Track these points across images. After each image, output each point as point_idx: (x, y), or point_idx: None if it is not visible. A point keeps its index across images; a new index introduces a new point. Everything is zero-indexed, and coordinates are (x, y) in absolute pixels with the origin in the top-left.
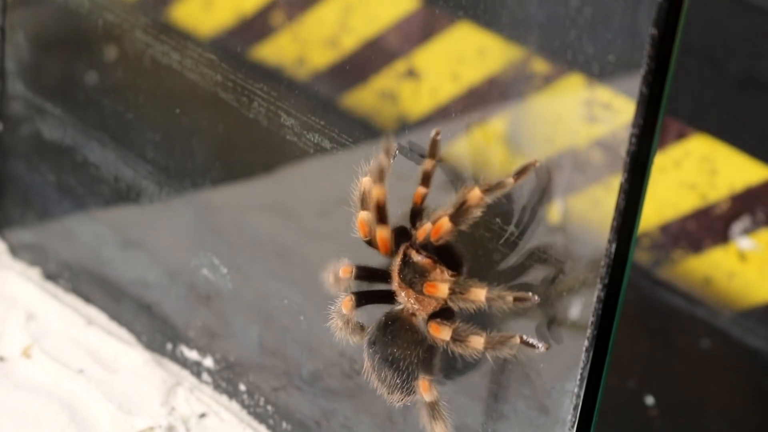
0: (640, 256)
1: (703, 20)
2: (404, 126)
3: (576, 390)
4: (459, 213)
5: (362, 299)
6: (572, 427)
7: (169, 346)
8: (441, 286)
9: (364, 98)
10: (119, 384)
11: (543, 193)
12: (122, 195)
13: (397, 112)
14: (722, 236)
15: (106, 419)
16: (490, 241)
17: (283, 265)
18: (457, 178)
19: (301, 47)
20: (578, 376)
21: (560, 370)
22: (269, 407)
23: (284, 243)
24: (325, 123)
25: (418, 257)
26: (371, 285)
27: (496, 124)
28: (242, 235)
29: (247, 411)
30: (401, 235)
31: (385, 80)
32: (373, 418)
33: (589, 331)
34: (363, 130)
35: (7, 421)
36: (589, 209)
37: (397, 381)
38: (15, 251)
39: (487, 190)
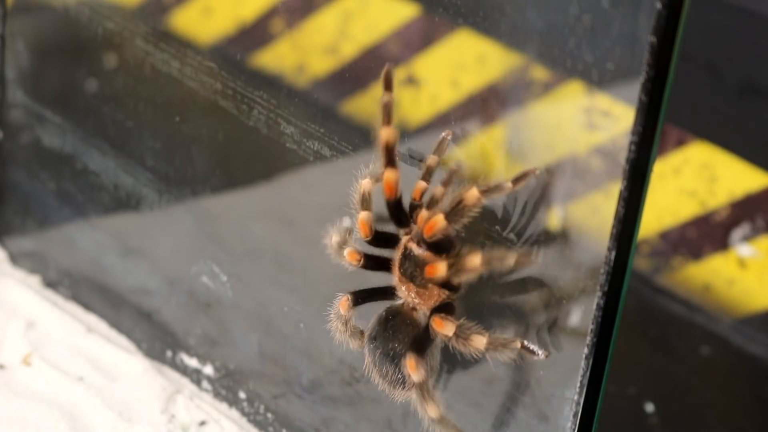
0: (639, 263)
1: (702, 28)
2: (404, 133)
3: (576, 397)
4: (455, 211)
5: (359, 298)
6: None
7: (169, 353)
8: (439, 265)
9: (363, 105)
10: (119, 392)
11: (543, 201)
12: (122, 203)
13: (396, 119)
14: (722, 243)
15: (106, 427)
16: (490, 249)
17: (282, 272)
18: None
19: (301, 55)
20: (578, 384)
21: (560, 378)
22: (269, 415)
23: (284, 250)
24: (324, 131)
25: (418, 250)
26: (376, 273)
27: (496, 131)
28: (242, 243)
29: (247, 419)
30: (401, 219)
31: None
32: (373, 425)
33: (588, 338)
34: (363, 137)
35: (8, 429)
36: (588, 216)
37: (399, 376)
38: (15, 259)
39: (485, 191)
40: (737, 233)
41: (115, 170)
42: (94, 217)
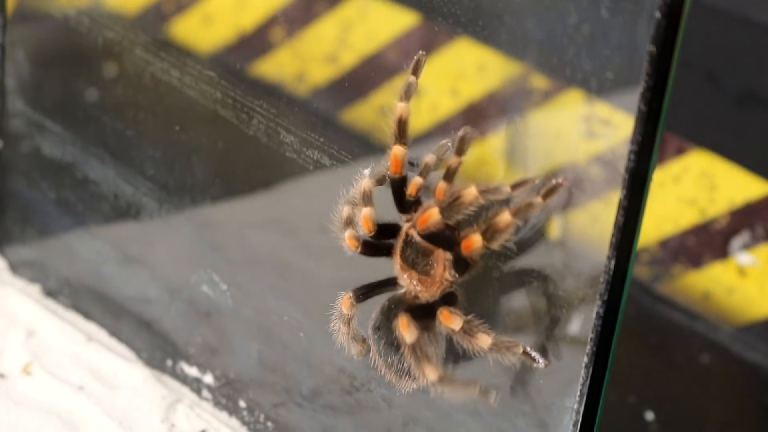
0: (639, 271)
1: (701, 36)
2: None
3: (576, 406)
4: (451, 206)
5: (361, 294)
6: None
7: (169, 362)
8: (473, 237)
9: (363, 114)
10: (119, 401)
11: (542, 210)
12: (122, 212)
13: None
14: (721, 251)
15: None
16: (489, 258)
17: (282, 281)
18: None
19: (301, 63)
20: (578, 393)
21: (560, 387)
22: (269, 424)
23: (284, 259)
24: (324, 140)
25: (419, 238)
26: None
27: (496, 139)
28: (242, 252)
29: (247, 427)
30: (403, 203)
31: (385, 96)
32: None
33: (588, 347)
34: (362, 146)
35: None
36: (588, 225)
37: (404, 365)
38: (15, 268)
39: (483, 191)
40: (737, 241)
41: (115, 179)
42: (94, 226)
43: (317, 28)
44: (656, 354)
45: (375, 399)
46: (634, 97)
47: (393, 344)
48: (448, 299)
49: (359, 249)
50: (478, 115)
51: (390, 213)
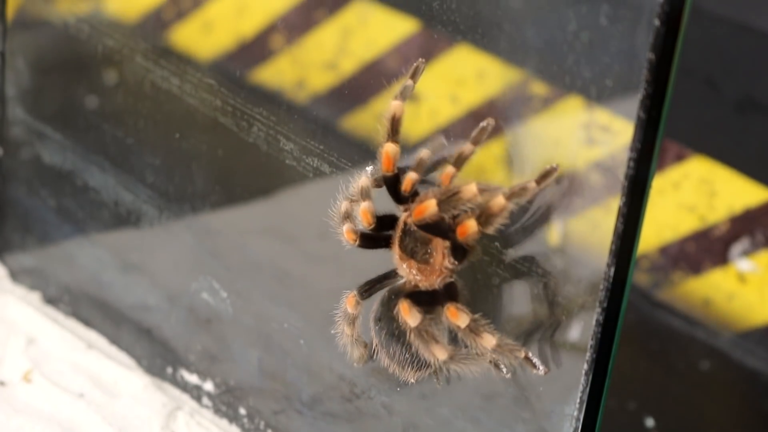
0: (639, 278)
1: (701, 43)
2: (403, 148)
3: (575, 413)
4: (449, 200)
5: (365, 291)
6: None
7: (170, 370)
8: (468, 222)
9: (363, 121)
10: (119, 408)
11: (542, 216)
12: (122, 219)
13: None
14: (721, 258)
15: None
16: (489, 265)
17: (282, 288)
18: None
19: (301, 70)
20: (578, 400)
21: (560, 394)
22: (269, 431)
23: (284, 267)
24: (324, 147)
25: (417, 226)
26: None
27: (495, 146)
28: (242, 259)
29: None
30: (399, 196)
31: (385, 103)
32: None
33: (588, 354)
34: (362, 153)
35: None
36: (588, 231)
37: (407, 355)
38: (15, 276)
39: (483, 190)
40: (737, 248)
41: (115, 187)
42: (94, 234)
43: (317, 35)
44: (656, 360)
45: (375, 406)
46: (633, 103)
47: (394, 334)
48: (448, 289)
49: (357, 242)
50: (477, 122)
51: (388, 207)
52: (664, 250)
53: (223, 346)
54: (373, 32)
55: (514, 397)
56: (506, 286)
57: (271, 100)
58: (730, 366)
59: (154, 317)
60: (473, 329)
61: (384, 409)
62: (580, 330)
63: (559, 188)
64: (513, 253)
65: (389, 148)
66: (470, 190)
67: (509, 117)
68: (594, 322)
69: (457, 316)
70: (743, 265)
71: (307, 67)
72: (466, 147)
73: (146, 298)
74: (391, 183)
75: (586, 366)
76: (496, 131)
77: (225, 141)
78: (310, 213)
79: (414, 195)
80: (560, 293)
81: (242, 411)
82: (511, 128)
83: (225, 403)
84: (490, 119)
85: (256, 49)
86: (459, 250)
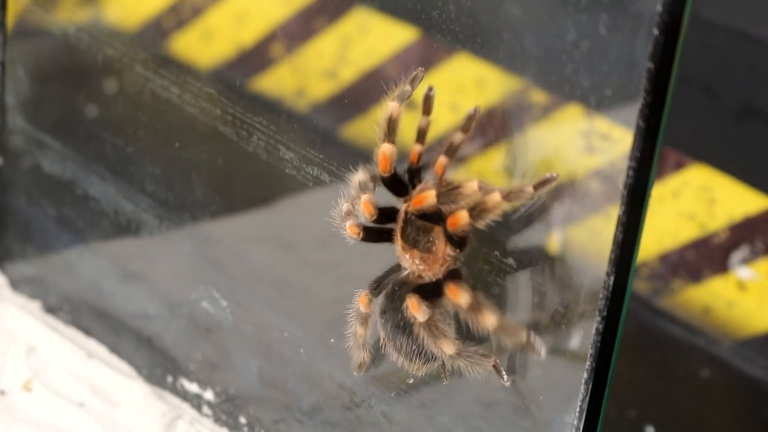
0: (639, 285)
1: (700, 51)
2: (403, 156)
3: (575, 422)
4: (448, 193)
5: (375, 288)
6: None
7: (170, 379)
8: (460, 213)
9: (363, 129)
10: (119, 417)
11: (542, 225)
12: (122, 228)
13: (396, 142)
14: (721, 266)
15: None
16: (488, 274)
17: (282, 297)
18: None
19: (301, 79)
20: (577, 408)
21: (560, 402)
22: None
23: (284, 275)
24: (324, 156)
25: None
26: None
27: (495, 154)
28: (242, 268)
29: None
30: (399, 189)
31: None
32: None
33: (588, 363)
34: (362, 162)
35: None
36: (588, 240)
37: (413, 347)
38: (15, 285)
39: (483, 189)
40: (737, 256)
41: (115, 196)
42: (94, 243)
43: (317, 44)
44: (656, 369)
45: (375, 415)
46: (633, 112)
47: (400, 326)
48: (452, 277)
49: (361, 235)
50: (477, 130)
51: (388, 200)
52: (664, 258)
53: (224, 355)
54: (372, 41)
55: (514, 405)
56: (506, 295)
57: (270, 108)
58: (730, 374)
59: (154, 326)
60: (474, 307)
61: (384, 417)
62: (580, 338)
63: (558, 196)
64: (513, 262)
65: (386, 149)
66: (471, 187)
67: (509, 125)
68: (594, 331)
69: (458, 294)
70: (743, 272)
71: (306, 76)
72: (456, 135)
73: (146, 307)
74: (389, 183)
75: (585, 375)
76: (495, 139)
77: (225, 150)
78: (310, 222)
79: (414, 173)
80: (560, 302)
81: (242, 420)
82: (511, 136)
83: (225, 412)
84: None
85: (255, 57)
86: (455, 239)
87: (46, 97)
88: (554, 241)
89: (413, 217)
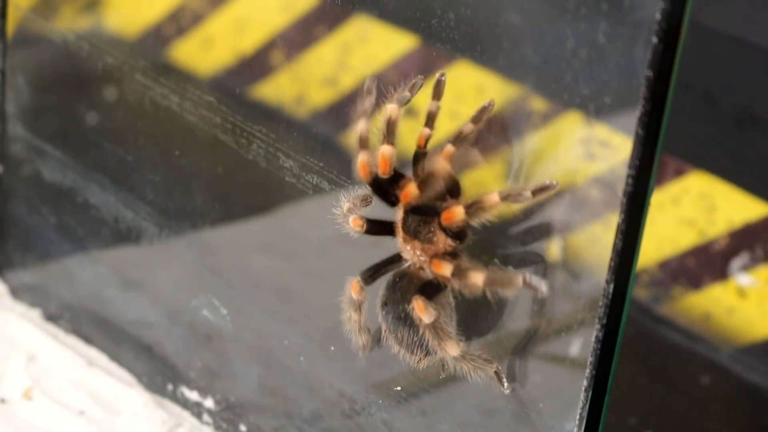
0: (639, 292)
1: (699, 57)
2: (403, 164)
3: (576, 430)
4: (451, 185)
5: (368, 276)
6: None
7: (170, 386)
8: (455, 209)
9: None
10: (120, 425)
11: (542, 232)
12: (122, 236)
13: (396, 148)
14: (721, 273)
15: None
16: None
17: (282, 305)
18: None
19: (301, 86)
20: (577, 416)
21: (559, 410)
22: None
23: (284, 283)
24: (323, 164)
25: (420, 203)
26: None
27: (495, 161)
28: (242, 276)
29: None
30: (398, 181)
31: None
32: None
33: (587, 370)
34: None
35: None
36: (588, 247)
37: (415, 338)
38: (16, 293)
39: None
40: (736, 262)
41: (116, 204)
42: (94, 251)
43: (317, 51)
44: (656, 375)
45: (375, 423)
46: (632, 119)
47: (401, 318)
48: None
49: (364, 227)
50: (478, 138)
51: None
52: (664, 265)
53: (224, 362)
54: (372, 48)
55: (514, 413)
56: (505, 303)
57: (270, 116)
58: (730, 381)
59: (154, 334)
60: (457, 273)
61: (384, 425)
62: (580, 346)
63: (558, 204)
64: (512, 270)
65: (385, 150)
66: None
67: (509, 132)
68: (593, 339)
69: (441, 266)
70: (743, 279)
71: (306, 83)
72: (467, 126)
73: (146, 315)
74: (389, 182)
75: (585, 382)
76: (496, 146)
77: (225, 158)
78: (309, 230)
79: (419, 158)
80: (559, 309)
81: (243, 428)
82: (511, 143)
83: (225, 420)
84: (491, 100)
85: (255, 65)
86: (452, 232)
87: (46, 105)
88: (554, 249)
89: (414, 208)
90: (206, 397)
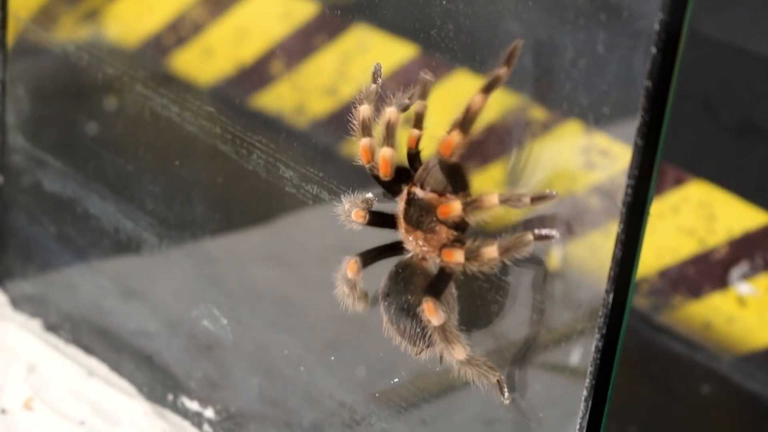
0: (639, 301)
1: (699, 67)
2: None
3: None
4: (466, 120)
5: (367, 259)
6: None
7: (170, 397)
8: (453, 203)
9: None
10: None
11: (541, 242)
12: (122, 247)
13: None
14: (721, 281)
15: None
16: (488, 292)
17: (282, 315)
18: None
19: (300, 96)
20: (577, 426)
21: (559, 420)
22: None
23: (284, 293)
24: (323, 174)
25: (422, 193)
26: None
27: (495, 170)
28: (242, 286)
29: None
30: (402, 175)
31: None
32: None
33: (587, 380)
34: (361, 180)
35: None
36: (588, 256)
37: (417, 330)
38: (16, 303)
39: (486, 89)
40: (736, 271)
41: (116, 214)
42: (94, 261)
43: (316, 61)
44: (656, 384)
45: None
46: (631, 128)
47: (404, 309)
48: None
49: (366, 219)
50: (478, 147)
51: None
52: (664, 274)
53: (224, 373)
54: (372, 57)
55: (514, 423)
56: (505, 313)
57: (270, 126)
58: (730, 389)
59: (154, 344)
60: (470, 255)
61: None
62: (580, 356)
63: (558, 212)
64: (512, 280)
65: (386, 152)
66: (477, 100)
67: (509, 141)
68: (593, 348)
69: (453, 255)
70: (743, 288)
71: (306, 93)
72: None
73: (147, 325)
74: (392, 182)
75: (585, 392)
76: (495, 155)
77: (225, 168)
78: (309, 240)
79: (413, 158)
80: (559, 319)
81: None
82: (511, 152)
83: (226, 430)
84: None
85: (255, 74)
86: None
87: (46, 115)
88: (554, 258)
89: (416, 197)
90: (206, 407)
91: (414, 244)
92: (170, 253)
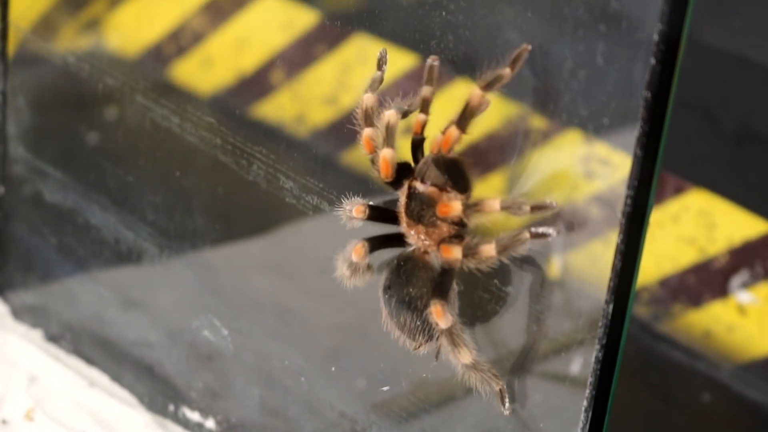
0: (639, 310)
1: (699, 75)
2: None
3: None
4: (464, 117)
5: (374, 245)
6: None
7: (171, 407)
8: (453, 203)
9: (363, 156)
10: None
11: (542, 251)
12: (123, 257)
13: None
14: (721, 290)
15: None
16: (488, 303)
17: (283, 325)
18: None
19: (301, 106)
20: None
21: (560, 430)
22: None
23: (284, 303)
24: (323, 185)
25: (423, 187)
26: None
27: (496, 179)
28: (242, 297)
29: None
30: (403, 171)
31: None
32: None
33: (587, 390)
34: (361, 190)
35: None
36: (588, 266)
37: (417, 323)
38: (17, 313)
39: (485, 86)
40: (736, 280)
41: (116, 225)
42: (95, 272)
43: (317, 70)
44: (657, 393)
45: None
46: (631, 138)
47: (404, 301)
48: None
49: (367, 213)
50: (477, 156)
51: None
52: (664, 283)
53: (225, 383)
54: (372, 67)
55: None
56: (505, 323)
57: (270, 137)
58: (730, 398)
59: (155, 355)
60: (468, 252)
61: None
62: (580, 366)
63: (558, 222)
64: (512, 290)
65: (386, 153)
66: (476, 95)
67: (509, 150)
68: (593, 359)
69: (450, 251)
70: (743, 297)
71: (306, 102)
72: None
73: (147, 335)
74: (392, 183)
75: (585, 402)
76: (496, 164)
77: (225, 179)
78: (309, 250)
79: (418, 144)
80: (559, 329)
81: None
82: (511, 161)
83: None
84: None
85: (256, 84)
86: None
87: (46, 126)
88: (554, 267)
89: (417, 191)
90: (207, 417)
91: (416, 238)
92: (171, 264)
